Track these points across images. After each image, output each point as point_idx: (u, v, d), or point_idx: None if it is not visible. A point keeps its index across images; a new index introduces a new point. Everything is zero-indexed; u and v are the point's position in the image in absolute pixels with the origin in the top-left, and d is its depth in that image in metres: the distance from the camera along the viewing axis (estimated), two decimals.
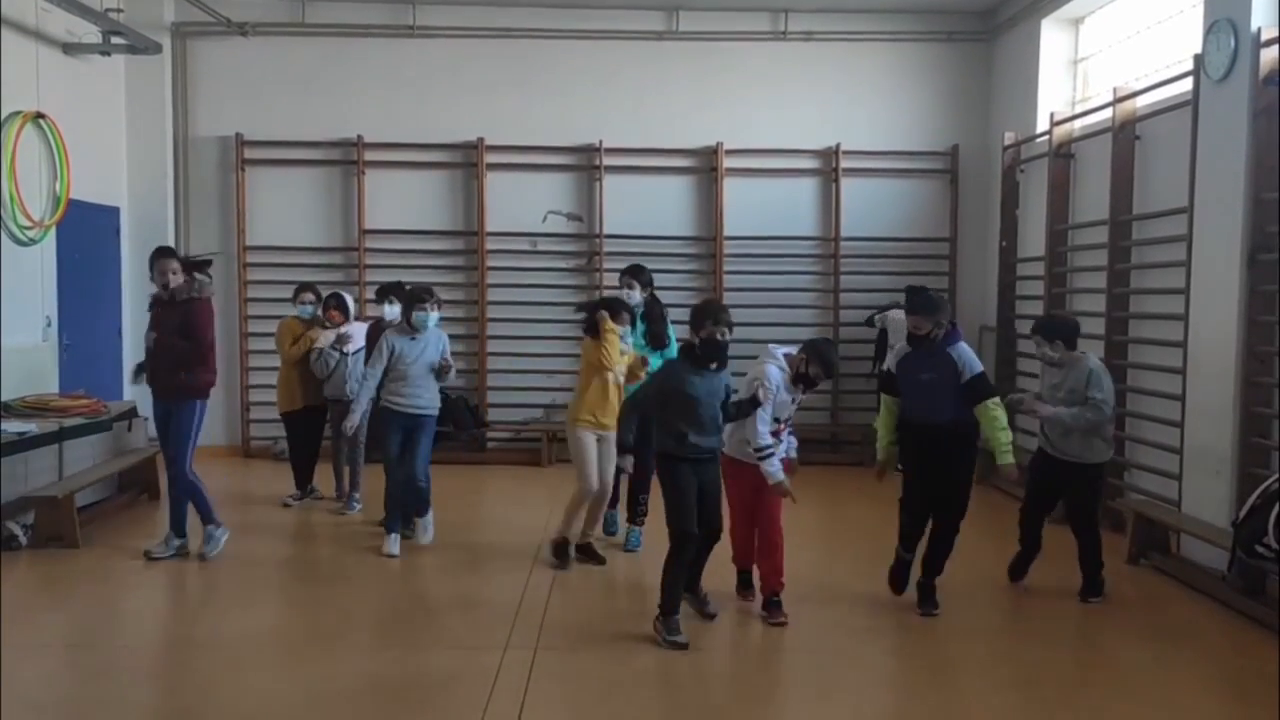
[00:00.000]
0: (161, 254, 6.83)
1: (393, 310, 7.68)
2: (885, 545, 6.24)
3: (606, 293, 10.47)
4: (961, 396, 5.78)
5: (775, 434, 5.69)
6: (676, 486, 5.43)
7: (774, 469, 5.59)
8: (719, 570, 6.02)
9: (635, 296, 7.12)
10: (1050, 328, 6.33)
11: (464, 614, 5.93)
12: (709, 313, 5.56)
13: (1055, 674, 5.16)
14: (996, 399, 5.85)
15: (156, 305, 6.80)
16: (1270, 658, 5.21)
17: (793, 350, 5.79)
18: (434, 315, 7.13)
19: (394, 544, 7.00)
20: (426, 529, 7.28)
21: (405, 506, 7.19)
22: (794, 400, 5.79)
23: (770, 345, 5.87)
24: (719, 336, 5.49)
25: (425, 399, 7.09)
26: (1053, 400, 6.17)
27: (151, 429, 9.43)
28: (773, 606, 5.77)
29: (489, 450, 10.78)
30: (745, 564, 6.11)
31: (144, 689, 5.01)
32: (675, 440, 5.42)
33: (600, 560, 6.84)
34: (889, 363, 6.19)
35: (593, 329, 6.64)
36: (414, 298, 7.15)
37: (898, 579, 6.12)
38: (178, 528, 6.90)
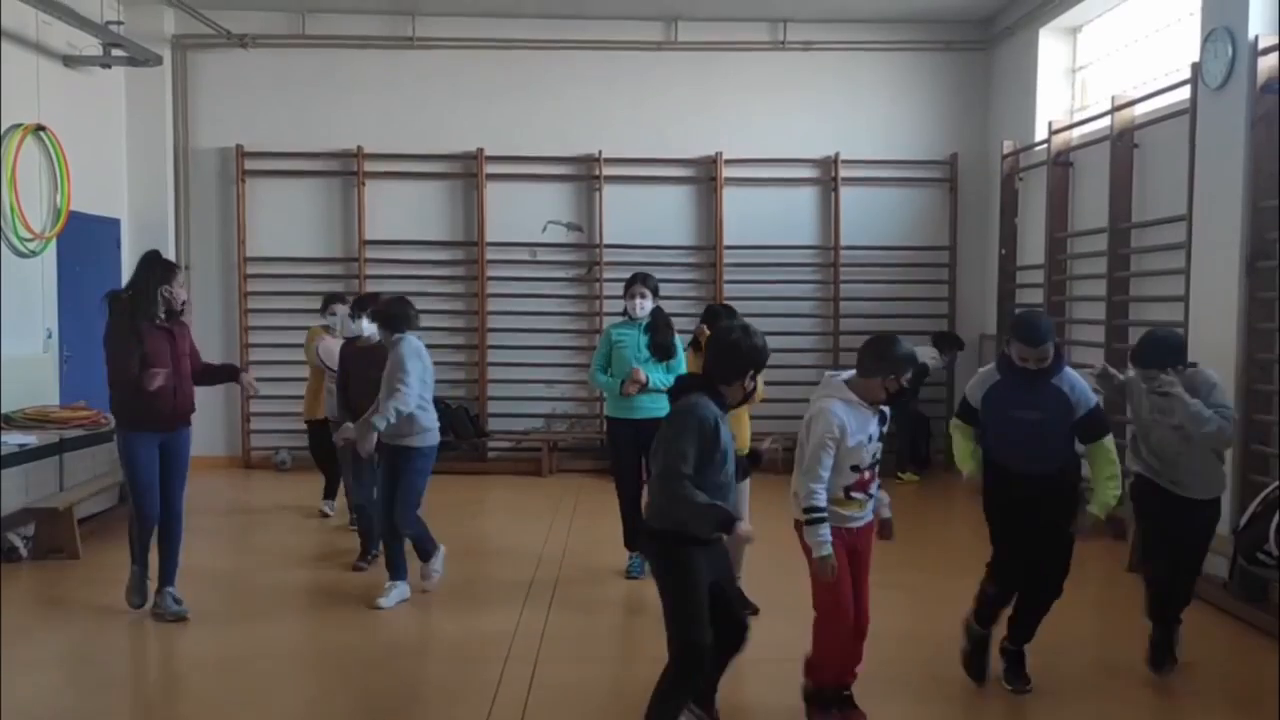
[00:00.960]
0: (172, 265, 6.05)
1: (370, 327, 6.80)
2: (890, 552, 6.17)
3: (607, 303, 10.59)
4: (1073, 435, 4.74)
5: (859, 487, 4.35)
6: (689, 580, 3.90)
7: (821, 537, 4.20)
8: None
9: (648, 305, 6.71)
10: (1162, 352, 4.90)
11: (465, 624, 5.92)
12: (753, 361, 4.07)
13: (1056, 682, 5.15)
14: (1111, 435, 4.84)
15: (158, 326, 5.87)
16: (1271, 665, 5.20)
17: (849, 374, 4.41)
18: (363, 324, 6.67)
19: (437, 569, 6.36)
20: (394, 589, 6.17)
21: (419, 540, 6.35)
22: (874, 438, 4.36)
23: (828, 373, 4.51)
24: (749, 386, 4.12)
25: (405, 425, 6.11)
26: (1162, 431, 5.00)
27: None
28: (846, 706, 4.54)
29: (489, 460, 10.78)
30: (846, 677, 4.54)
31: (145, 702, 5.00)
32: None
33: (752, 609, 5.60)
34: (972, 396, 4.94)
35: (699, 342, 5.96)
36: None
37: (977, 663, 4.99)
38: (170, 575, 6.01)
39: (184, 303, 6.05)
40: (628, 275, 7.08)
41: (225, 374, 6.45)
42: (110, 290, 6.00)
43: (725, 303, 6.31)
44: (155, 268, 5.91)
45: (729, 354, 4.06)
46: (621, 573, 6.77)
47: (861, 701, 4.65)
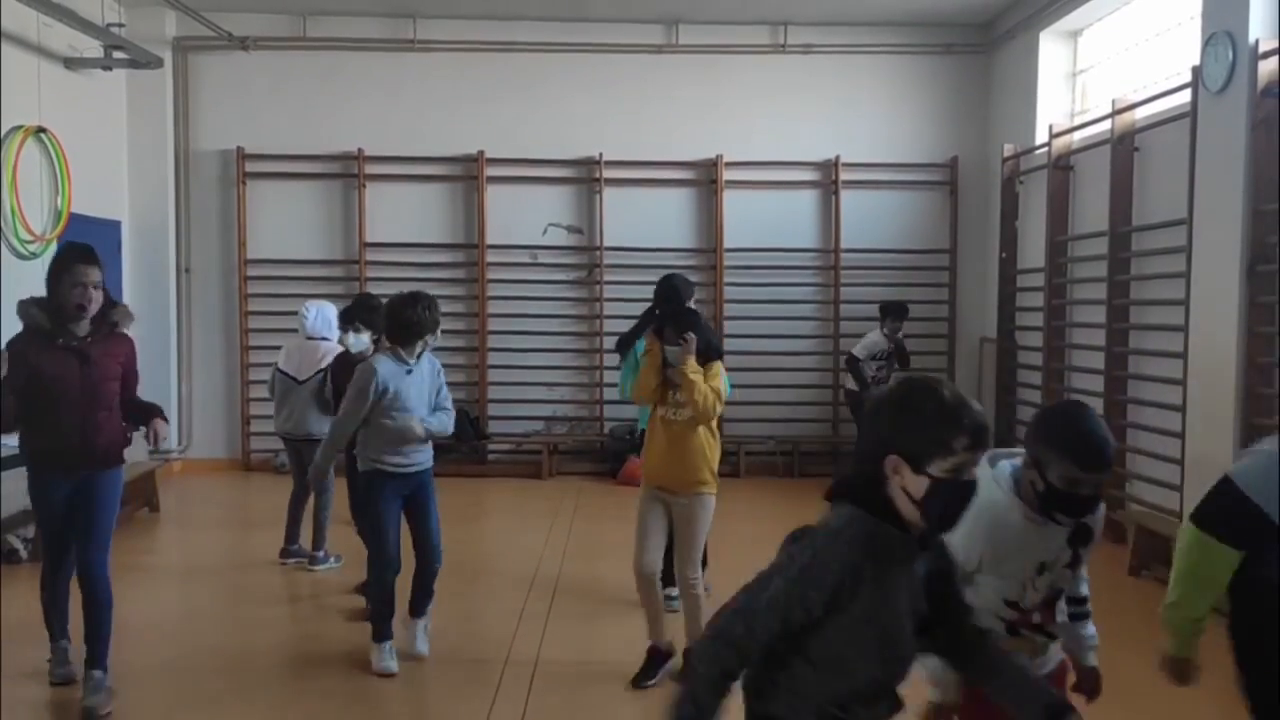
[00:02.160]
0: (84, 256, 4.63)
1: (359, 341, 6.29)
2: None
3: (608, 305, 10.58)
4: None
5: (1025, 624, 2.80)
6: None
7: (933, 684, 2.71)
8: None
9: None
10: None
11: (464, 626, 5.92)
12: (962, 423, 2.17)
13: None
14: None
15: (64, 346, 4.57)
16: None
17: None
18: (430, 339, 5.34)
19: (389, 656, 5.16)
20: (421, 636, 5.42)
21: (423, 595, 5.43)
22: (1050, 565, 2.76)
23: (990, 453, 2.60)
24: (964, 475, 2.18)
25: (427, 448, 5.34)
26: None
27: (135, 451, 9.02)
28: None
29: (489, 463, 10.78)
30: None
31: (144, 704, 4.99)
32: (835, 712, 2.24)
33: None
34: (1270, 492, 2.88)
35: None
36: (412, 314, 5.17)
37: None
38: (100, 658, 4.77)
39: (102, 306, 4.68)
40: (628, 278, 7.00)
41: (146, 413, 4.85)
42: (27, 298, 4.69)
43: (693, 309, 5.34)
44: (57, 263, 4.63)
45: (889, 418, 2.22)
46: (622, 577, 6.74)
47: None
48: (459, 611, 6.19)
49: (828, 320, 10.77)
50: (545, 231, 10.70)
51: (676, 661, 5.00)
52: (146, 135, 10.30)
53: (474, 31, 10.54)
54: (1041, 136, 9.34)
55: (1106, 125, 8.10)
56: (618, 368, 6.37)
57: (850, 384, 9.40)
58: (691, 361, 4.88)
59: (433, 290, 9.94)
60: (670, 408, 4.98)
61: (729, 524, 8.25)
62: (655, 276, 7.03)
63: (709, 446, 5.01)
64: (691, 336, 4.87)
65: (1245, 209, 6.38)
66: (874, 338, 9.25)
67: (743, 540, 6.47)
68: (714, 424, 5.04)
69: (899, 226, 10.76)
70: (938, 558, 2.33)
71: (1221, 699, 5.12)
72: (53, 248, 8.81)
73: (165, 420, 4.81)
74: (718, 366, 5.02)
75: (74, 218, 8.98)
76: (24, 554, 7.10)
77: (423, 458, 5.28)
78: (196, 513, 9.16)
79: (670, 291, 5.99)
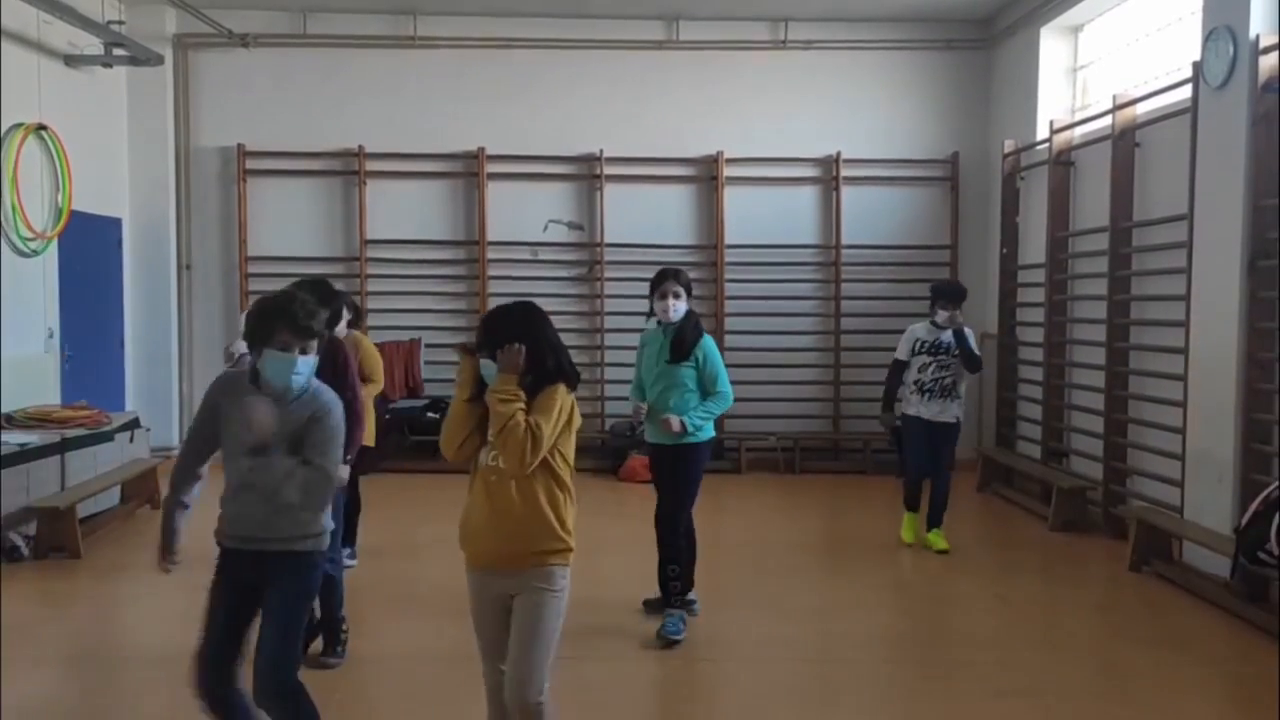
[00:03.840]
0: None
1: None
2: (882, 552, 6.20)
3: (609, 302, 10.59)
4: None
5: None
6: None
7: None
8: None
9: (680, 308, 5.53)
10: None
11: (466, 624, 5.91)
12: None
13: (1057, 682, 5.15)
14: None
15: None
16: (1272, 664, 5.20)
17: None
18: (304, 363, 3.48)
19: None
20: None
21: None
22: None
23: None
24: None
25: (283, 524, 3.57)
26: None
27: (137, 448, 8.87)
28: None
29: None
30: None
31: (146, 701, 5.01)
32: None
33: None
34: None
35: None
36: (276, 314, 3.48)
37: None
38: None
39: None
40: (629, 275, 6.90)
41: None
42: None
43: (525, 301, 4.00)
44: None
45: None
46: (623, 574, 6.74)
47: (856, 702, 4.64)
48: (459, 610, 6.18)
49: (828, 316, 10.76)
50: (546, 228, 10.69)
51: None
52: (147, 132, 10.31)
53: (474, 28, 10.54)
54: (1042, 132, 9.33)
55: (1107, 121, 8.10)
56: (629, 365, 6.12)
57: (908, 408, 7.31)
58: (508, 380, 3.43)
59: (433, 288, 10.13)
60: (493, 450, 3.47)
61: (729, 521, 8.27)
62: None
63: (556, 499, 3.50)
64: (517, 347, 3.45)
65: (1246, 204, 6.38)
66: (916, 329, 7.50)
67: (743, 538, 6.48)
68: (562, 469, 3.52)
69: (899, 222, 10.75)
70: None
71: (1219, 693, 5.14)
72: (54, 245, 8.84)
73: None
74: (559, 395, 3.49)
75: (75, 215, 9.00)
76: (25, 551, 7.10)
77: (278, 532, 3.57)
78: (197, 509, 9.13)
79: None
